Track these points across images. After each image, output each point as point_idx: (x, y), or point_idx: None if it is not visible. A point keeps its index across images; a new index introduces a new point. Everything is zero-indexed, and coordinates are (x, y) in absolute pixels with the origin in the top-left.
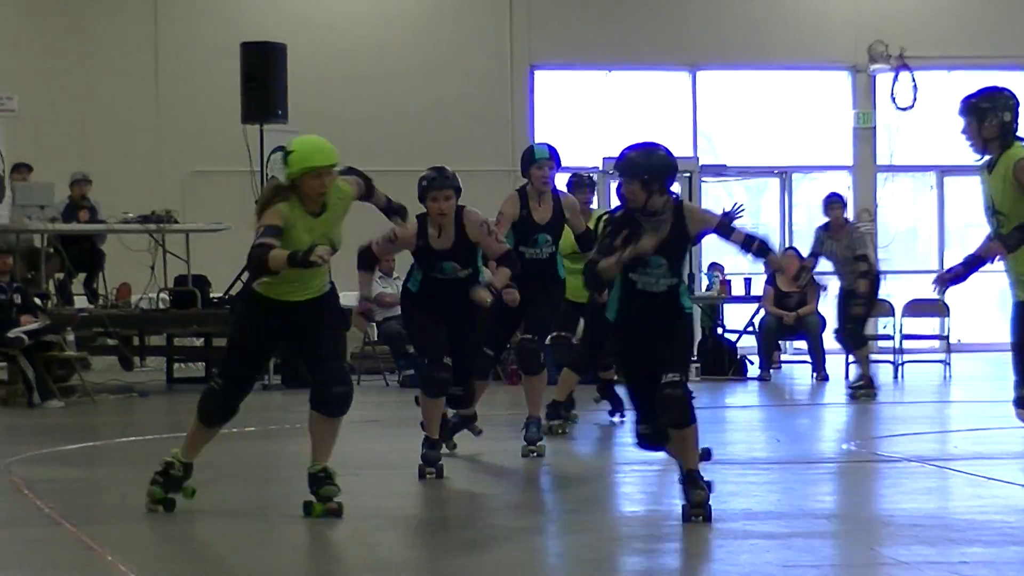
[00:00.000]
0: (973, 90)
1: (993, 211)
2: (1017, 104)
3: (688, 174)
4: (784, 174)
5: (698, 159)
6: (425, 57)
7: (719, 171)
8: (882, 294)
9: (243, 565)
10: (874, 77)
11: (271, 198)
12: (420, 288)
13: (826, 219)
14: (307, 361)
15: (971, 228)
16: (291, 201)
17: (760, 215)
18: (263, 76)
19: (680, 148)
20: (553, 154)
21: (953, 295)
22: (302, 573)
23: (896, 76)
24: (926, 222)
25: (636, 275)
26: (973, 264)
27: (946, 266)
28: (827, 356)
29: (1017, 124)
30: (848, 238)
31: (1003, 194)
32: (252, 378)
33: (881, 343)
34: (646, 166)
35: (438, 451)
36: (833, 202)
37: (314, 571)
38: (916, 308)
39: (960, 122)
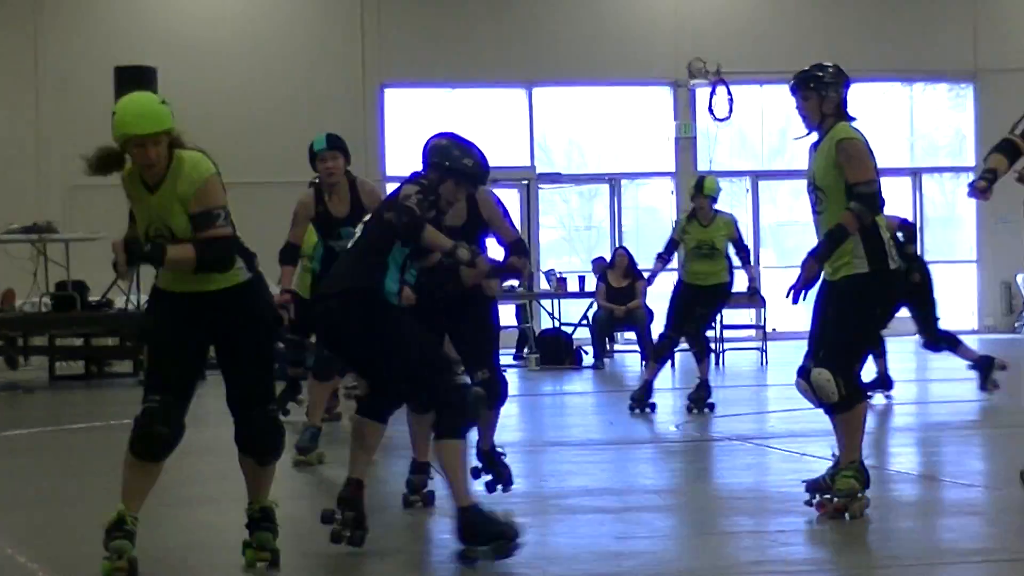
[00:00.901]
0: (785, 96)
1: (814, 187)
2: (848, 82)
3: (526, 181)
4: (614, 180)
5: (535, 168)
6: (283, 76)
7: (554, 179)
8: None
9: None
10: (693, 91)
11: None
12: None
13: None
14: (226, 381)
15: (783, 227)
16: (127, 171)
17: (592, 218)
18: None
19: (519, 158)
20: (336, 144)
21: (768, 288)
22: None
23: (713, 90)
24: (742, 222)
25: None
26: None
27: (762, 262)
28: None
29: (847, 102)
30: None
31: (824, 171)
32: (186, 385)
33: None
34: None
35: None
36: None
37: None
38: (734, 300)
39: (792, 101)
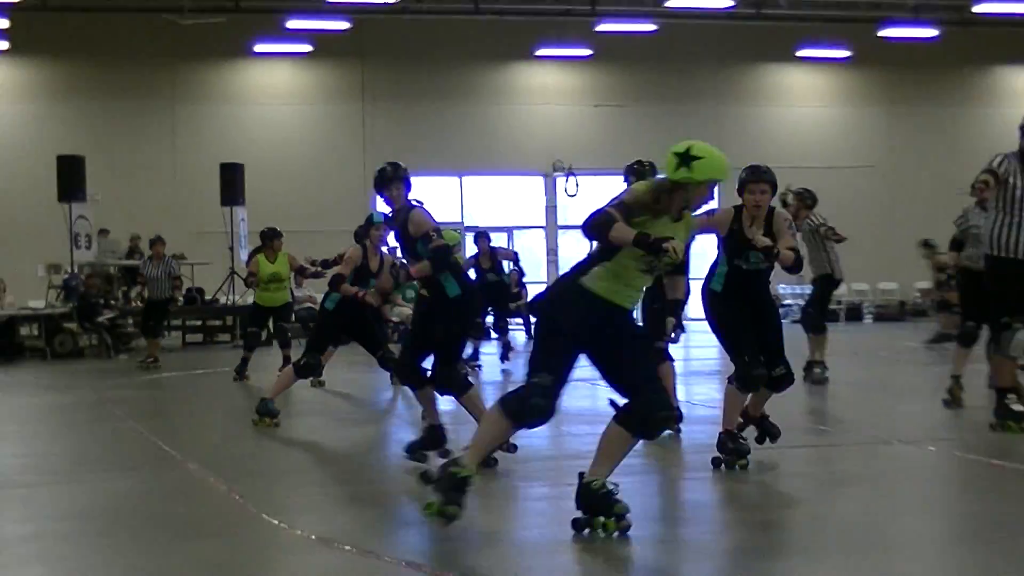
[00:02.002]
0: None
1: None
2: (655, 171)
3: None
4: (509, 232)
5: (463, 223)
6: (316, 161)
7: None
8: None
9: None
10: (555, 179)
11: (656, 192)
12: (724, 283)
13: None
14: (617, 374)
15: None
16: (648, 188)
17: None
18: (231, 178)
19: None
20: (386, 219)
21: None
22: None
23: (567, 178)
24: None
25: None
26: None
27: None
28: None
29: None
30: None
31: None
32: (565, 376)
33: None
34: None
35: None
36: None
37: None
38: None
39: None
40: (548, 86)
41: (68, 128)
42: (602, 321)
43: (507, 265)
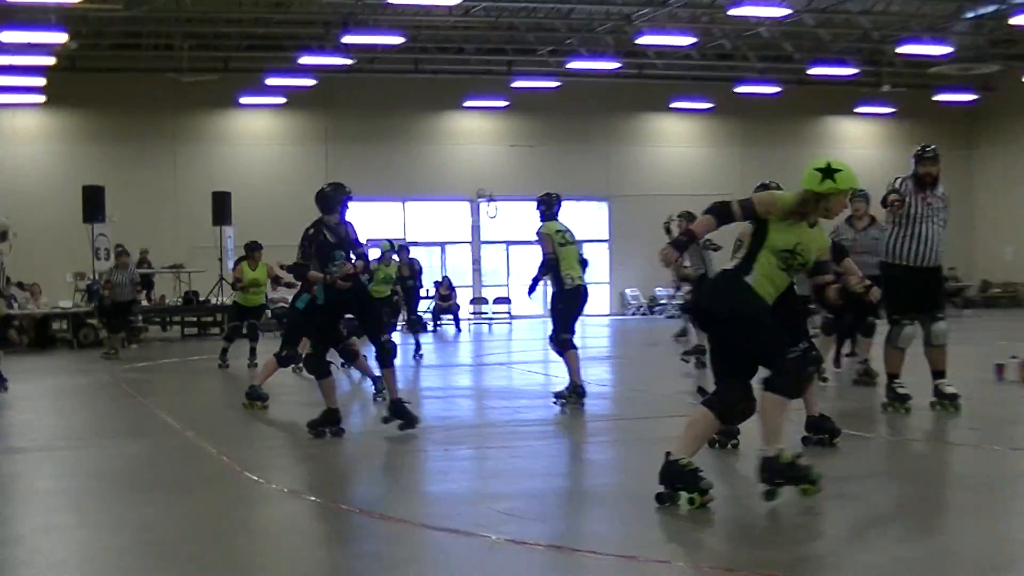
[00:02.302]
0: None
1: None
2: (559, 200)
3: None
4: (442, 246)
5: (405, 237)
6: (288, 190)
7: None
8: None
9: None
10: (478, 204)
11: (803, 202)
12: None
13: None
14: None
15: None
16: (788, 201)
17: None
18: (220, 204)
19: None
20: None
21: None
22: None
23: (488, 202)
24: (512, 265)
25: None
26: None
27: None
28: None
29: (557, 211)
30: None
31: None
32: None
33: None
34: None
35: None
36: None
37: None
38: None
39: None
40: (473, 130)
41: (92, 164)
42: None
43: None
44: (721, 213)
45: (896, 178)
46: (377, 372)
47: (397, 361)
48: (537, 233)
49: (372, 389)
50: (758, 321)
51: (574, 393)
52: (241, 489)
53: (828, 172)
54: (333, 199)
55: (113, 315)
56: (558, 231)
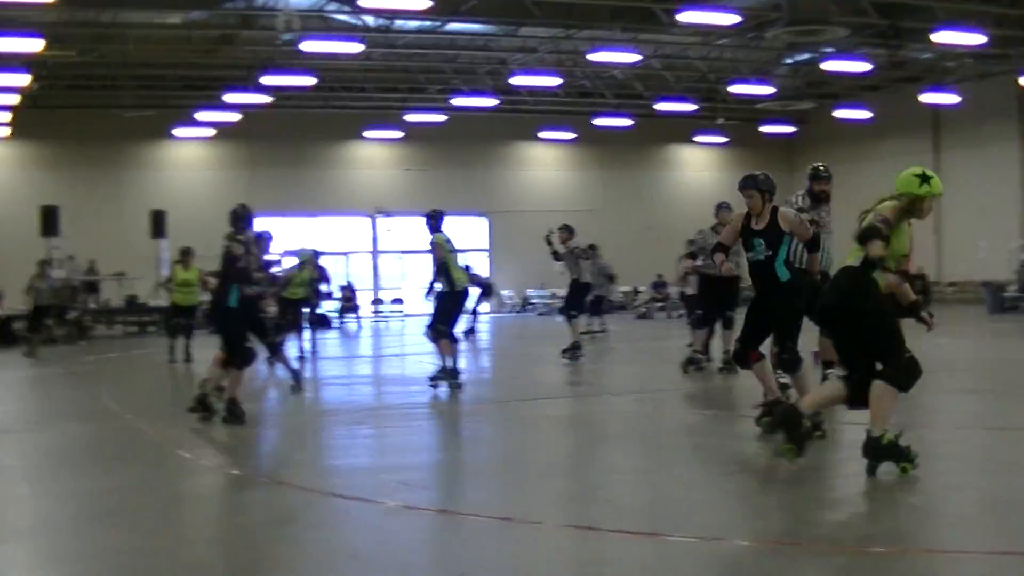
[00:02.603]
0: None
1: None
2: (442, 215)
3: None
4: (346, 255)
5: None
6: (214, 209)
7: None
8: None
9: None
10: (376, 219)
11: (903, 205)
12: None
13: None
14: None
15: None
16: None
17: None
18: (158, 220)
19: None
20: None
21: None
22: None
23: (386, 217)
24: (405, 271)
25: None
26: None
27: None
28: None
29: (441, 224)
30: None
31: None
32: None
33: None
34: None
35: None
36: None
37: None
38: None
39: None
40: (373, 156)
41: (49, 187)
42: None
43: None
44: (882, 234)
45: (796, 194)
46: (295, 364)
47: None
48: (431, 243)
49: (291, 379)
50: (888, 319)
51: (448, 375)
52: (173, 464)
53: (925, 178)
54: (246, 217)
55: (35, 318)
56: (446, 241)
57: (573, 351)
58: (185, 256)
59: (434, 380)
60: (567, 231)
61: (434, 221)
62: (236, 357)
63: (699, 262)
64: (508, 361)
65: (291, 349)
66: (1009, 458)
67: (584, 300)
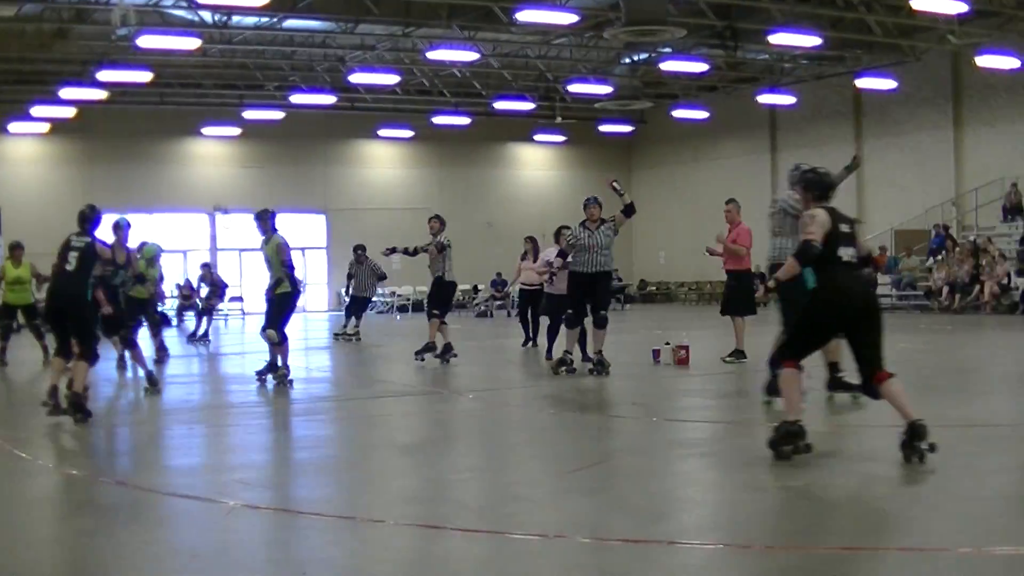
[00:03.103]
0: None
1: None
2: (273, 214)
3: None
4: (184, 252)
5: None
6: (52, 204)
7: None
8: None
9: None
10: (215, 215)
11: None
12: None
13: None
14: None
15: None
16: None
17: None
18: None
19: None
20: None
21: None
22: None
23: (224, 214)
24: (243, 269)
25: None
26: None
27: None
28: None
29: (274, 223)
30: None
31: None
32: None
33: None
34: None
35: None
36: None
37: None
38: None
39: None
40: (211, 153)
41: None
42: None
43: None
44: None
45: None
46: (150, 365)
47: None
48: (283, 244)
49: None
50: None
51: (277, 371)
52: (10, 464)
53: None
54: (94, 218)
55: None
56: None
57: (427, 351)
58: (13, 251)
59: (262, 375)
60: (439, 221)
61: (269, 221)
62: (89, 352)
63: (570, 259)
64: (343, 358)
65: (146, 349)
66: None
67: (450, 298)
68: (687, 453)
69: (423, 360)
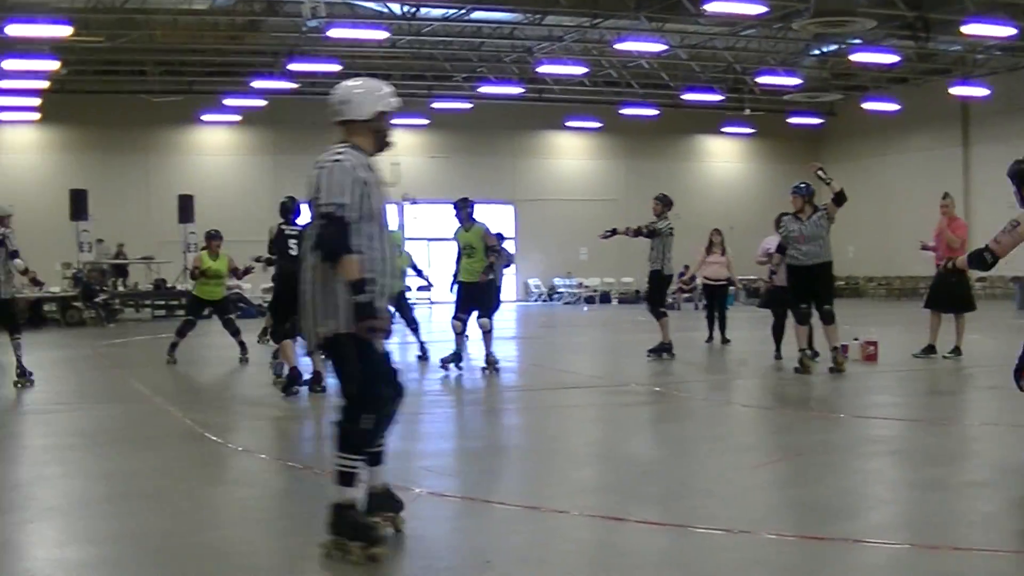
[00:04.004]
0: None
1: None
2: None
3: None
4: None
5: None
6: (242, 193)
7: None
8: None
9: None
10: (403, 206)
11: None
12: None
13: None
14: None
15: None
16: None
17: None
18: (185, 204)
19: None
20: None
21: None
22: None
23: (412, 204)
24: (432, 259)
25: None
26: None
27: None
28: None
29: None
30: None
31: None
32: None
33: None
34: None
35: None
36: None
37: None
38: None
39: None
40: (399, 143)
41: (77, 171)
42: None
43: None
44: None
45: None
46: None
47: None
48: (488, 230)
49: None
50: None
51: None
52: (202, 447)
53: None
54: (294, 209)
55: None
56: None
57: (661, 352)
58: (210, 241)
59: (446, 363)
60: (661, 203)
61: (469, 210)
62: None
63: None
64: (536, 350)
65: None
66: None
67: (666, 292)
68: (874, 451)
69: (656, 357)
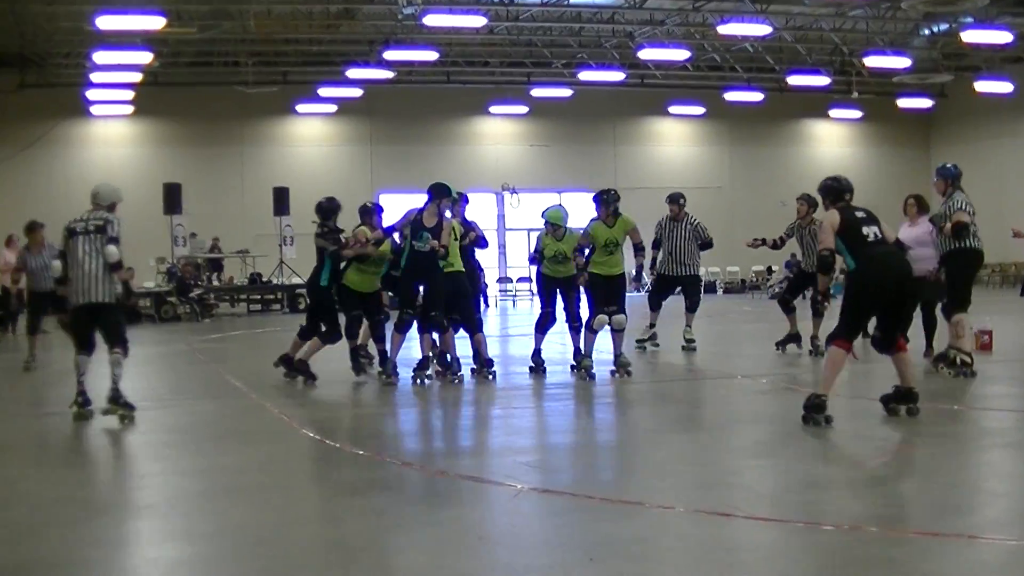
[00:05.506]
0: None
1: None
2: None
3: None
4: None
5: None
6: (338, 184)
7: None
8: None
9: None
10: (502, 195)
11: None
12: None
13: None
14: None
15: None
16: None
17: None
18: (280, 197)
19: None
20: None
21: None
22: None
23: (512, 193)
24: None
25: None
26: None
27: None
28: None
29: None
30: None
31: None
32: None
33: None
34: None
35: None
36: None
37: None
38: (518, 276)
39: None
40: (498, 132)
41: (171, 164)
42: None
43: None
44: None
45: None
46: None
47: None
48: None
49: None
50: None
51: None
52: (298, 444)
53: None
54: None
55: (32, 310)
56: None
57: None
58: (364, 217)
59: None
60: (806, 204)
61: (616, 204)
62: (332, 331)
63: None
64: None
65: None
66: None
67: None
68: (990, 443)
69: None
